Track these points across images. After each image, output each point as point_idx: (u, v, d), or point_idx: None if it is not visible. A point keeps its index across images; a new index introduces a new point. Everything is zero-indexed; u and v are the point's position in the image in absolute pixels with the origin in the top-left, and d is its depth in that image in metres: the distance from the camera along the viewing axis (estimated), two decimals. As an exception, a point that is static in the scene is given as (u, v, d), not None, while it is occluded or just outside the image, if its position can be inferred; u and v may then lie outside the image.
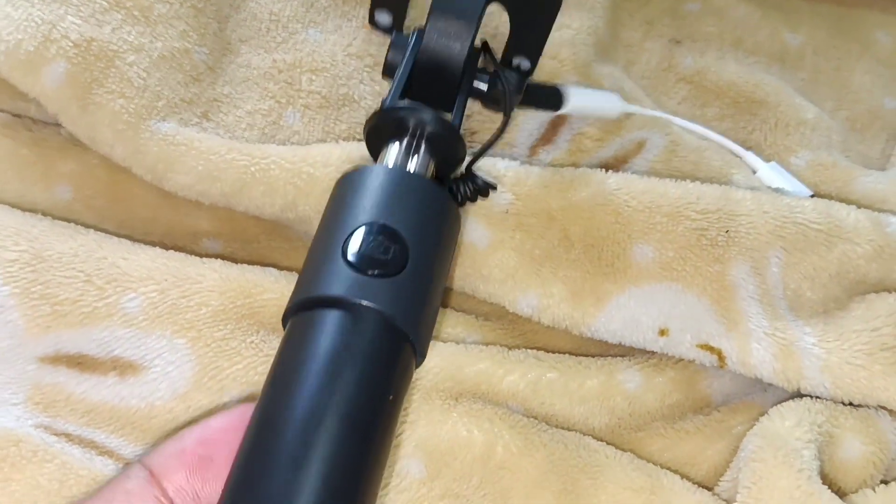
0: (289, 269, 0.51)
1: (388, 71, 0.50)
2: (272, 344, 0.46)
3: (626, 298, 0.48)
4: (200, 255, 0.52)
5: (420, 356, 0.39)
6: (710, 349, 0.48)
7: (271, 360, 0.45)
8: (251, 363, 0.46)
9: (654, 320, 0.48)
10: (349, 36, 0.59)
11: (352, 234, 0.38)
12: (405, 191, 0.41)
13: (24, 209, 0.50)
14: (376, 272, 0.37)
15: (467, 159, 0.49)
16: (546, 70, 0.58)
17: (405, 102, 0.46)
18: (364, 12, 0.60)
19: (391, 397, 0.36)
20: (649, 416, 0.49)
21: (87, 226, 0.51)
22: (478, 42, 0.51)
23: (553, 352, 0.50)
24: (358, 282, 0.37)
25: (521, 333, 0.53)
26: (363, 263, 0.37)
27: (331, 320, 0.36)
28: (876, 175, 0.58)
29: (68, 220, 0.51)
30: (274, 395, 0.35)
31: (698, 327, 0.48)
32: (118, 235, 0.52)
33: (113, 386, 0.45)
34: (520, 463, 0.45)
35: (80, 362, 0.45)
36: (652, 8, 0.67)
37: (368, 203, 0.40)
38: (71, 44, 0.50)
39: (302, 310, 0.38)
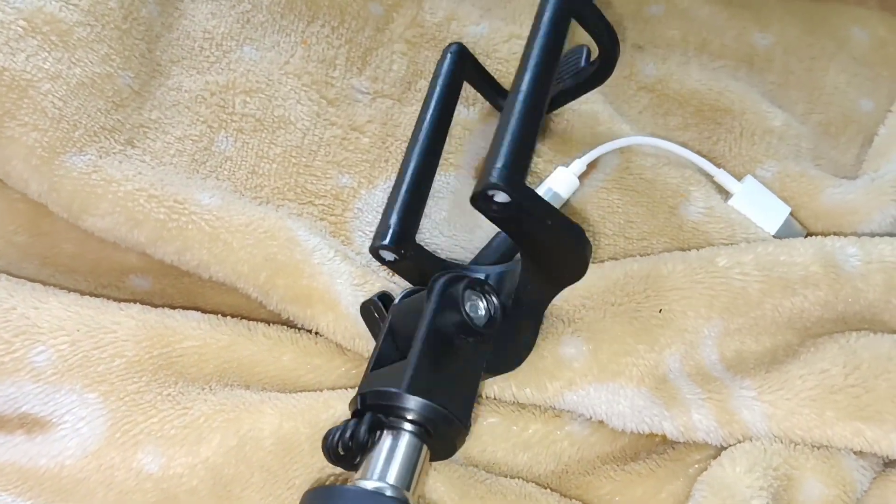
0: (215, 309, 0.48)
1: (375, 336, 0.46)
2: (189, 397, 0.44)
3: (561, 401, 0.46)
4: (127, 293, 0.50)
5: None
6: (653, 436, 0.46)
7: (188, 414, 0.43)
8: (167, 416, 0.43)
9: (593, 416, 0.46)
10: (287, 53, 0.56)
11: None
12: None
13: (-61, 249, 0.48)
14: None
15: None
16: (495, 75, 0.55)
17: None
18: (303, 26, 0.57)
19: None
20: (598, 460, 0.47)
21: (7, 262, 0.49)
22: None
23: (495, 398, 0.47)
24: None
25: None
26: None
27: None
28: (845, 185, 0.55)
29: (-14, 259, 0.49)
30: None
31: (638, 418, 0.45)
32: (41, 273, 0.50)
33: (20, 445, 0.43)
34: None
35: (-15, 421, 0.43)
36: (613, 11, 0.64)
37: None
38: (-19, 75, 0.47)
39: None
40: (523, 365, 0.45)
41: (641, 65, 0.61)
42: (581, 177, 0.52)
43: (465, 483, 0.44)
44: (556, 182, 0.52)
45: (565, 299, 0.47)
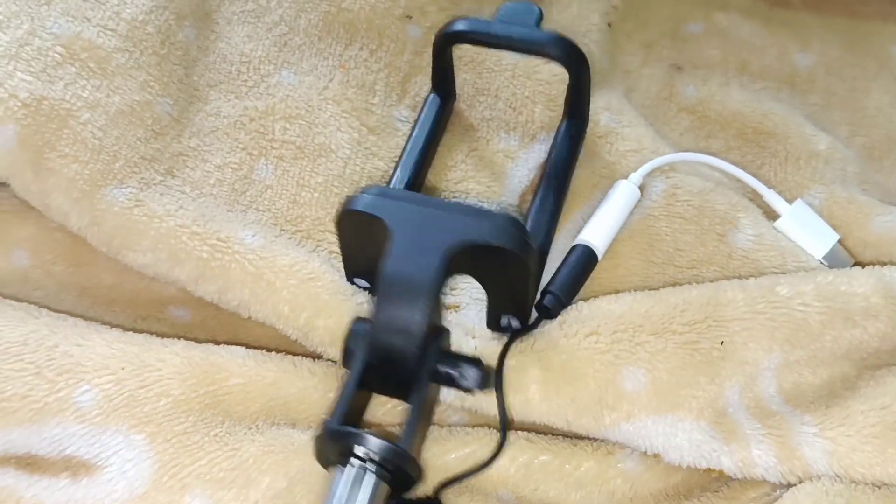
0: (262, 342, 0.47)
1: (347, 361, 0.43)
2: (237, 437, 0.43)
3: (616, 432, 0.45)
4: (167, 325, 0.49)
5: None
6: (709, 471, 0.45)
7: (236, 456, 0.42)
8: (215, 458, 0.42)
9: (648, 449, 0.45)
10: (325, 77, 0.55)
11: None
12: None
13: (-23, 279, 0.47)
14: None
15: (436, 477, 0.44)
16: (528, 108, 0.54)
17: (349, 430, 0.40)
18: (341, 49, 0.56)
19: None
20: (652, 498, 0.46)
21: (45, 293, 0.48)
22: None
23: (545, 433, 0.46)
24: None
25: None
26: None
27: None
28: (894, 211, 0.54)
29: (25, 288, 0.48)
30: None
31: (696, 453, 0.44)
32: (79, 304, 0.49)
33: (66, 488, 0.42)
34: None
35: (29, 463, 0.42)
36: (651, 29, 0.63)
37: None
38: (20, 104, 0.47)
39: None
40: (583, 395, 0.45)
41: (681, 86, 0.60)
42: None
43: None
44: (621, 195, 0.51)
45: (622, 319, 0.46)
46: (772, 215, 0.53)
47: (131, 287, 0.50)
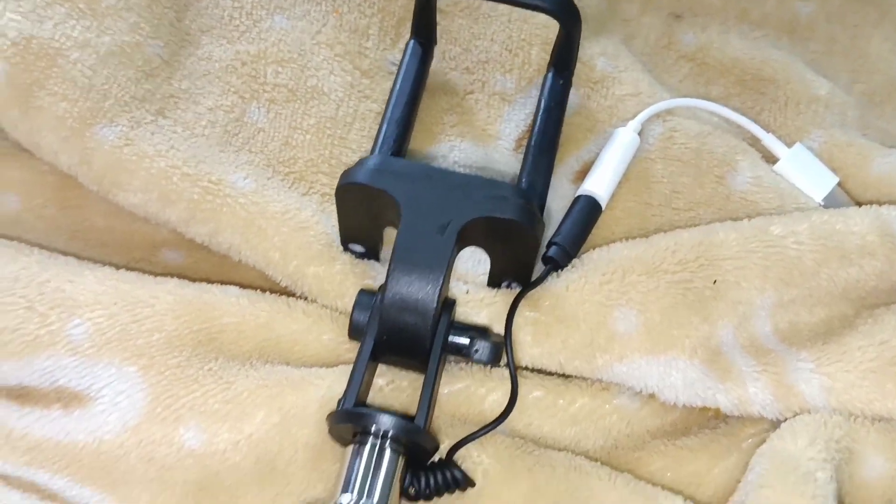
0: (253, 281, 0.47)
1: (354, 333, 0.43)
2: (230, 372, 0.43)
3: (609, 373, 0.45)
4: (160, 267, 0.49)
5: None
6: (705, 409, 0.45)
7: (231, 389, 0.42)
8: (209, 391, 0.42)
9: (643, 390, 0.45)
10: (318, 22, 0.54)
11: None
12: None
13: (-32, 222, 0.47)
14: None
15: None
16: (524, 50, 0.54)
17: (363, 410, 0.41)
18: (334, -8, 0.56)
19: None
20: (648, 435, 0.45)
21: (36, 236, 0.48)
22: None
23: (539, 372, 0.46)
24: None
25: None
26: None
27: None
28: (894, 154, 0.53)
29: (16, 231, 0.48)
30: None
31: (690, 392, 0.44)
32: (70, 246, 0.48)
33: (57, 419, 0.41)
34: (501, 491, 0.41)
35: (21, 394, 0.42)
36: (650, -22, 0.62)
37: None
38: (9, 42, 0.46)
39: None
40: (575, 337, 0.44)
41: (680, 34, 0.59)
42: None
43: (512, 454, 0.43)
44: (621, 144, 0.50)
45: (612, 262, 0.45)
46: (771, 159, 0.53)
47: (123, 229, 0.49)
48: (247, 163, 0.48)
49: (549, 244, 0.46)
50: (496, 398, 0.44)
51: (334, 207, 0.45)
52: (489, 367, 0.45)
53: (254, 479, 0.42)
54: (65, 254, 0.47)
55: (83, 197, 0.49)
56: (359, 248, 0.47)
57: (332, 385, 0.43)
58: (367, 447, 0.40)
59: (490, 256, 0.46)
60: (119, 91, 0.47)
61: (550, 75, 0.51)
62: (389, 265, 0.41)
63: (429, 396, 0.41)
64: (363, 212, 0.44)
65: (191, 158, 0.46)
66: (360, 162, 0.44)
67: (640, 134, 0.51)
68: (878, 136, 0.57)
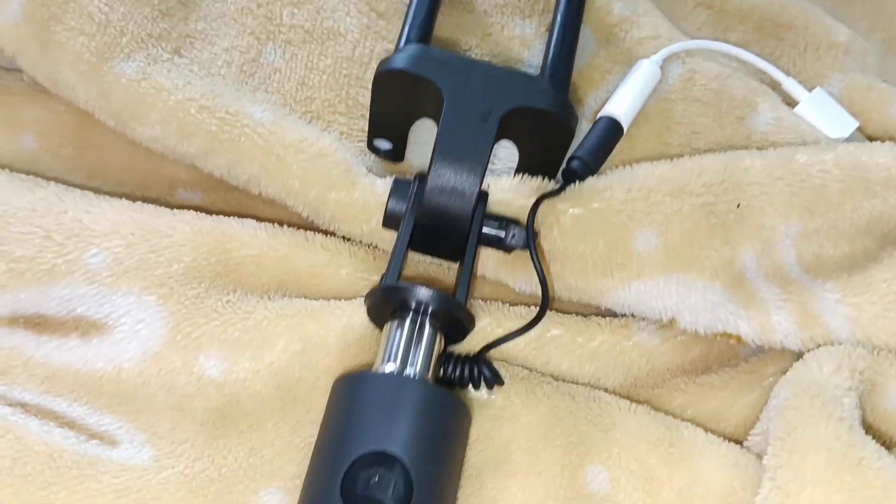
0: (270, 220, 0.46)
1: (389, 222, 0.44)
2: (250, 303, 0.43)
3: (626, 294, 0.44)
4: (177, 207, 0.48)
5: None
6: (727, 336, 0.44)
7: (250, 318, 0.42)
8: (228, 321, 0.42)
9: (661, 313, 0.44)
10: (335, -37, 0.54)
11: (349, 469, 0.35)
12: (409, 405, 0.38)
13: (-14, 162, 0.46)
14: None
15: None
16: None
17: (405, 284, 0.41)
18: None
19: None
20: (668, 372, 0.45)
21: (54, 176, 0.47)
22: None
23: (557, 311, 0.46)
24: None
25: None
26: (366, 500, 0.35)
27: None
28: (914, 99, 0.53)
29: (33, 171, 0.47)
30: None
31: (711, 316, 0.43)
32: (88, 186, 0.48)
33: (76, 348, 0.41)
34: (522, 414, 0.41)
35: (38, 323, 0.41)
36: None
37: (370, 425, 0.37)
38: (25, -22, 0.46)
39: None
40: (594, 254, 0.44)
41: (698, -19, 0.59)
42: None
43: (531, 383, 0.43)
44: (642, 74, 0.50)
45: (637, 181, 0.45)
46: (791, 104, 0.52)
47: (140, 169, 0.49)
48: (264, 101, 0.48)
49: (571, 158, 0.46)
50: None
51: (353, 141, 0.45)
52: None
53: (275, 406, 0.41)
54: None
55: (100, 136, 0.49)
56: (385, 145, 0.47)
57: (351, 315, 0.42)
58: (408, 321, 0.40)
59: (520, 150, 0.46)
60: (136, 28, 0.47)
61: None
62: (433, 152, 0.41)
63: (468, 276, 0.42)
64: (398, 102, 0.45)
65: (208, 93, 0.46)
66: (399, 50, 0.44)
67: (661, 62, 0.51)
68: (896, 84, 0.56)
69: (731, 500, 0.40)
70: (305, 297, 0.44)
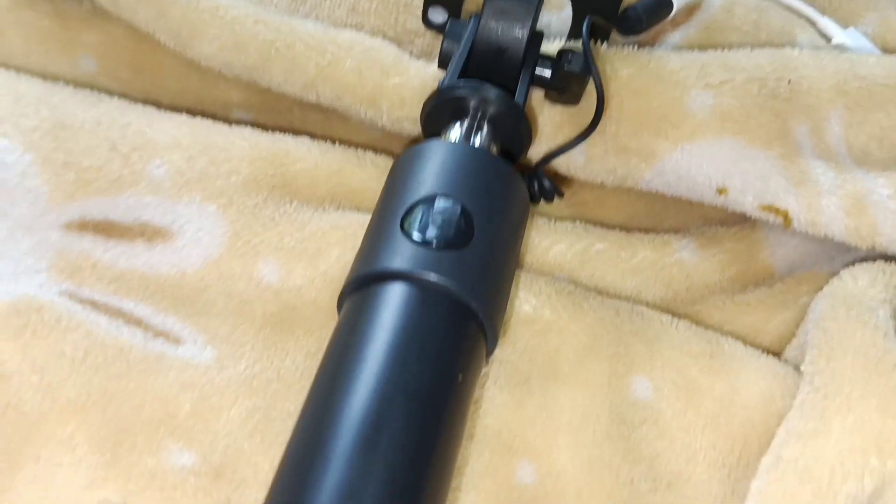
0: (323, 138, 0.48)
1: (444, 61, 0.45)
2: (305, 214, 0.44)
3: (678, 156, 0.45)
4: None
5: (491, 340, 0.37)
6: (776, 210, 0.44)
7: (306, 229, 0.43)
8: (285, 230, 0.44)
9: (712, 179, 0.45)
10: None
11: (413, 207, 0.37)
12: (469, 165, 0.39)
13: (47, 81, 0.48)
14: (440, 245, 0.35)
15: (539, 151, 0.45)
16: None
17: (464, 82, 0.42)
18: None
19: (460, 378, 0.34)
20: (707, 290, 0.46)
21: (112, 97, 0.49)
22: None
23: (601, 225, 0.47)
24: (419, 255, 0.35)
25: (569, 206, 0.50)
26: (425, 236, 0.36)
27: (392, 296, 0.35)
28: (951, 36, 0.54)
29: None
30: (332, 378, 0.34)
31: (762, 186, 0.44)
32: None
33: (141, 253, 0.43)
34: (569, 326, 0.43)
35: (106, 228, 0.43)
36: None
37: (430, 177, 0.38)
38: None
39: (360, 287, 0.36)
40: (648, 111, 0.45)
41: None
42: (681, 18, 0.52)
43: (577, 297, 0.44)
44: None
45: (692, 52, 0.47)
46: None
47: (195, 91, 0.51)
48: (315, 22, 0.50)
49: (625, 10, 0.47)
50: (560, 249, 0.45)
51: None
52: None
53: (329, 313, 0.43)
54: (142, 106, 0.48)
55: (157, 59, 0.50)
56: (440, 17, 0.48)
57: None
58: (465, 124, 0.42)
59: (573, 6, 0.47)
60: (193, -46, 0.49)
61: None
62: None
63: (525, 91, 0.43)
64: None
65: (262, 11, 0.47)
66: None
67: (699, 6, 0.52)
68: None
69: (770, 408, 0.41)
70: (358, 211, 0.46)
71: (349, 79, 0.46)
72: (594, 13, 0.46)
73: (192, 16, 0.47)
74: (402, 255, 0.35)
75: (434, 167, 0.39)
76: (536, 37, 0.44)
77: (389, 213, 0.38)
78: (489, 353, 0.38)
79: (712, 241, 0.47)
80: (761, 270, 0.47)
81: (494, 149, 0.42)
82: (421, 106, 0.44)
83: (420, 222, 0.36)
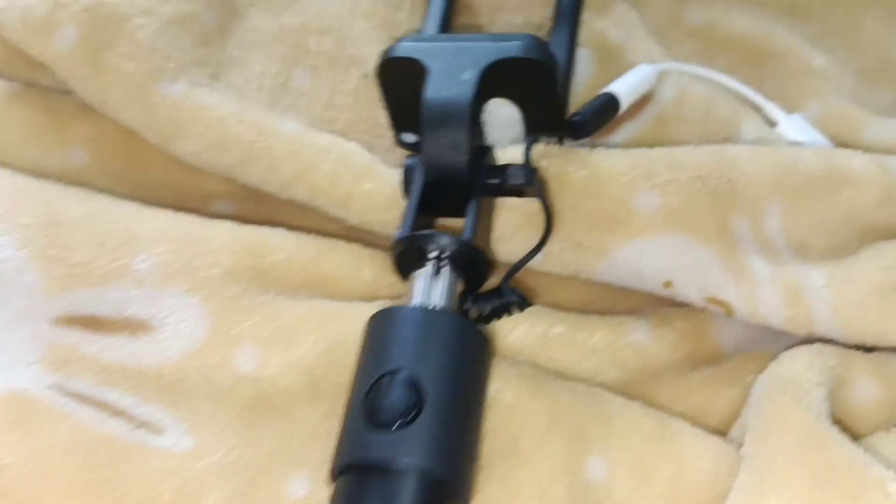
0: (300, 228, 0.51)
1: (405, 192, 0.48)
2: (281, 303, 0.47)
3: (627, 252, 0.48)
4: (213, 216, 0.53)
5: (465, 495, 0.41)
6: (718, 302, 0.48)
7: (281, 318, 0.47)
8: (262, 320, 0.46)
9: (658, 274, 0.48)
10: (356, -4, 0.59)
11: (372, 386, 0.40)
12: (423, 332, 0.42)
13: (39, 174, 0.51)
14: (396, 424, 0.38)
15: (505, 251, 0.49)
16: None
17: (419, 231, 0.46)
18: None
19: None
20: (659, 369, 0.49)
21: (101, 189, 0.52)
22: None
23: (560, 308, 0.50)
24: (374, 441, 0.39)
25: (528, 289, 0.53)
26: (380, 417, 0.39)
27: (357, 485, 0.39)
28: (886, 122, 0.58)
29: (83, 184, 0.52)
30: None
31: (704, 280, 0.48)
32: (131, 197, 0.53)
33: (125, 345, 0.46)
34: (529, 409, 0.45)
35: (93, 322, 0.46)
36: (659, -38, 0.67)
37: (385, 351, 0.41)
38: (81, 7, 0.51)
39: (341, 474, 0.40)
40: (598, 209, 0.48)
41: (687, 11, 0.64)
42: (634, 110, 0.55)
43: (538, 380, 0.47)
44: (641, 72, 0.55)
45: (641, 151, 0.50)
46: (772, 126, 0.57)
47: (179, 183, 0.54)
48: (293, 120, 0.53)
49: (571, 115, 0.51)
50: (520, 333, 0.49)
51: (376, 151, 0.50)
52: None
53: (304, 399, 0.45)
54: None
55: (144, 153, 0.53)
56: (411, 138, 0.51)
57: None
58: (429, 266, 0.45)
59: (519, 106, 0.49)
60: (179, 54, 0.52)
61: None
62: (420, 119, 0.45)
63: (474, 219, 0.45)
64: (404, 90, 0.47)
65: (244, 110, 0.51)
66: (397, 39, 0.48)
67: (650, 98, 0.56)
68: (870, 110, 0.61)
69: (716, 487, 0.44)
70: (331, 299, 0.49)
71: (323, 183, 0.49)
72: (543, 120, 0.50)
73: (177, 117, 0.50)
74: (360, 445, 0.39)
75: (390, 339, 0.42)
76: (481, 153, 0.47)
77: (356, 393, 0.41)
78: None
79: (664, 321, 0.50)
80: (710, 350, 0.51)
81: (460, 285, 0.46)
82: (388, 210, 0.48)
83: (377, 404, 0.39)
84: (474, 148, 0.46)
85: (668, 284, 0.48)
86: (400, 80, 0.48)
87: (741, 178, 0.49)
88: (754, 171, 0.49)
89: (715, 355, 0.51)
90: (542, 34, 0.58)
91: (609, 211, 0.48)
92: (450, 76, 0.45)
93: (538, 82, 0.48)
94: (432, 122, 0.45)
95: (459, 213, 0.47)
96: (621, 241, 0.48)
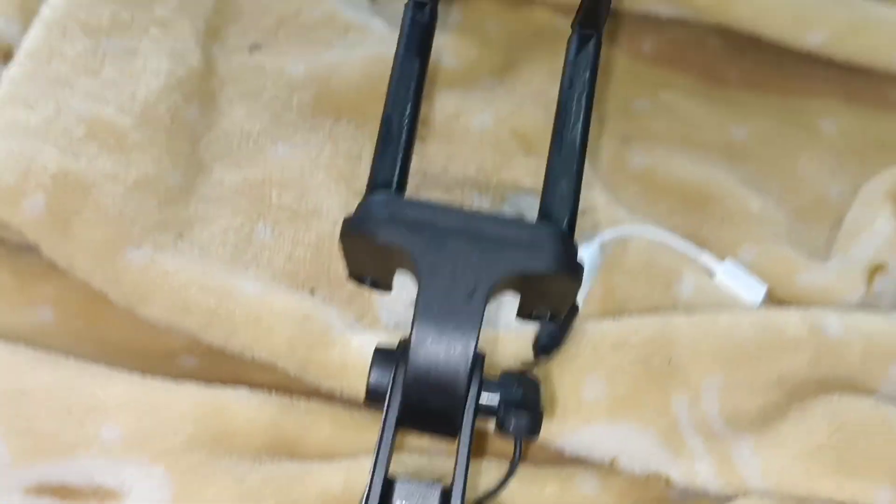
0: (261, 385, 0.53)
1: (372, 396, 0.39)
2: (244, 468, 0.49)
3: (577, 437, 0.51)
4: (177, 372, 0.54)
5: None
6: (659, 476, 0.51)
7: (243, 484, 0.48)
8: (224, 486, 0.48)
9: (605, 454, 0.51)
10: (316, 148, 0.62)
11: None
12: None
13: (5, 333, 0.53)
14: None
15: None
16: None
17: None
18: (330, 124, 0.63)
19: None
20: (610, 517, 0.52)
21: (66, 345, 0.54)
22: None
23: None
24: None
25: (478, 444, 0.55)
26: None
27: None
28: (819, 269, 0.61)
29: (48, 340, 0.54)
30: None
31: (646, 458, 0.51)
32: (97, 355, 0.54)
33: (94, 513, 0.47)
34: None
35: (61, 492, 0.48)
36: (605, 106, 0.71)
37: None
38: (49, 177, 0.53)
39: None
40: (551, 401, 0.51)
41: (630, 156, 0.68)
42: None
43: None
44: (591, 259, 0.58)
45: (585, 334, 0.53)
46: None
47: (144, 339, 0.55)
48: (255, 277, 0.55)
49: (541, 337, 0.53)
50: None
51: (336, 301, 0.52)
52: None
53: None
54: (93, 361, 0.53)
55: (109, 311, 0.55)
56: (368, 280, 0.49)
57: (329, 479, 0.49)
58: None
59: (521, 296, 0.43)
60: (144, 218, 0.54)
61: (576, 37, 0.44)
62: (411, 332, 0.37)
63: (465, 465, 0.38)
64: (372, 258, 0.42)
65: (207, 273, 0.53)
66: (367, 203, 0.41)
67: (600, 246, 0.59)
68: (806, 247, 0.64)
69: None
70: (292, 458, 0.50)
71: (282, 349, 0.51)
72: (542, 307, 0.45)
73: (142, 283, 0.52)
74: None
75: None
76: (478, 361, 0.39)
77: None
78: None
79: (611, 473, 0.53)
80: (657, 498, 0.53)
81: None
82: (343, 379, 0.50)
83: None
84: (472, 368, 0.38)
85: (613, 462, 0.51)
86: (369, 250, 0.41)
87: (683, 355, 0.52)
88: (694, 346, 0.53)
89: (661, 500, 0.53)
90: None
91: (562, 400, 0.51)
92: (449, 286, 0.37)
93: (555, 287, 0.41)
94: (425, 343, 0.37)
95: (443, 432, 0.40)
96: (570, 430, 0.51)
